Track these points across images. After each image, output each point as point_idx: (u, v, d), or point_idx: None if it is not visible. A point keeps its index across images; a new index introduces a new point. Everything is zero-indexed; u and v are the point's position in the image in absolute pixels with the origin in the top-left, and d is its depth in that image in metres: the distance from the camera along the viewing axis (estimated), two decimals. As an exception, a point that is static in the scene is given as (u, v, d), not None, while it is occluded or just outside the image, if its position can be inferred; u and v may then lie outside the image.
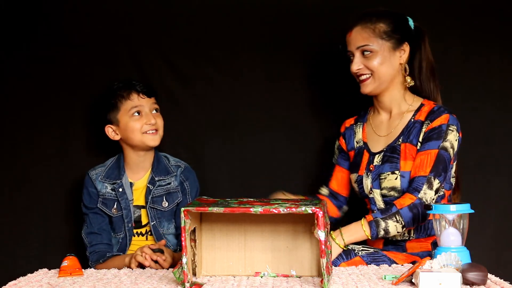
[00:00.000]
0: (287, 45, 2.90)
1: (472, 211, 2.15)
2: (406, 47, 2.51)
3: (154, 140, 2.67)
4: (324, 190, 2.71)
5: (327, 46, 2.88)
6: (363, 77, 2.51)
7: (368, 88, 2.52)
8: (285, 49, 2.90)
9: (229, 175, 2.91)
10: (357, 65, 2.50)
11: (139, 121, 2.66)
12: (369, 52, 2.48)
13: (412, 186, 2.39)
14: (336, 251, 2.34)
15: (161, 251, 2.42)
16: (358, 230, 2.36)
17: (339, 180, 2.68)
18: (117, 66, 2.90)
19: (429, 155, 2.40)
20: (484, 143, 2.81)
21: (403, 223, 2.36)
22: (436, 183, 2.38)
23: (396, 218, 2.35)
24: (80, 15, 2.91)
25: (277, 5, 2.90)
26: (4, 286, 2.04)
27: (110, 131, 2.71)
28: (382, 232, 2.35)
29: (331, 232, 2.37)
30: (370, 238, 2.36)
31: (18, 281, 2.13)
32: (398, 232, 2.38)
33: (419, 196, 2.36)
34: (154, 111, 2.70)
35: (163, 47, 2.91)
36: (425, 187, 2.37)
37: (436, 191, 2.39)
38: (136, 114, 2.67)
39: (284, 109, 2.91)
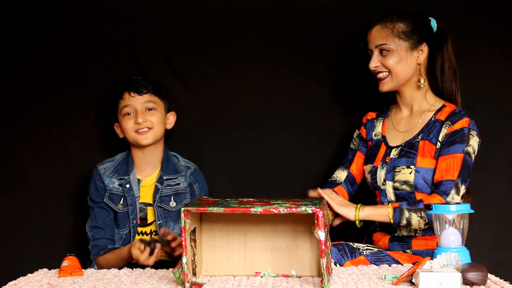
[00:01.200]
0: (287, 45, 2.90)
1: (472, 211, 2.15)
2: (425, 48, 2.54)
3: (146, 139, 2.67)
4: (342, 174, 2.69)
5: (327, 46, 2.88)
6: (381, 75, 2.56)
7: (386, 86, 2.56)
8: (285, 49, 2.90)
9: (229, 175, 2.91)
10: (374, 63, 2.55)
11: (131, 121, 2.67)
12: (386, 51, 2.52)
13: (440, 189, 2.41)
14: (349, 215, 2.39)
15: (153, 242, 2.40)
16: (384, 210, 2.40)
17: (359, 165, 2.69)
18: (117, 66, 2.90)
19: (455, 159, 2.43)
20: (484, 143, 2.81)
21: (426, 221, 2.39)
22: (462, 189, 2.42)
23: (421, 214, 2.38)
24: (80, 15, 2.91)
25: (277, 5, 2.90)
26: (4, 286, 2.04)
27: (118, 130, 2.73)
28: (404, 221, 2.39)
29: (359, 204, 2.42)
30: (392, 222, 2.39)
31: (18, 281, 2.13)
32: (420, 228, 2.42)
33: (447, 199, 2.38)
34: (148, 110, 2.69)
35: (163, 47, 2.91)
36: (453, 191, 2.40)
37: (462, 197, 2.42)
38: (127, 113, 2.67)
39: (284, 109, 2.91)
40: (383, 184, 2.54)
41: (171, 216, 2.68)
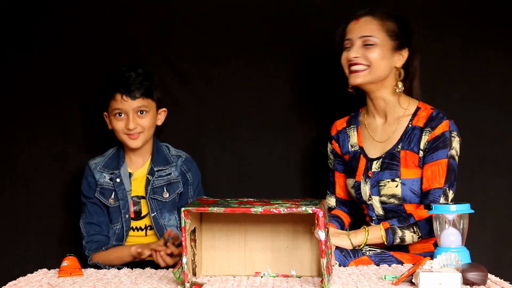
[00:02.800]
0: (287, 45, 2.90)
1: (472, 211, 2.15)
2: (405, 53, 2.50)
3: (135, 143, 2.65)
4: (331, 200, 2.68)
5: (329, 46, 2.88)
6: (356, 67, 2.46)
7: (360, 79, 2.46)
8: (285, 49, 2.90)
9: (229, 175, 2.91)
10: (355, 52, 2.45)
11: (121, 122, 2.65)
12: (371, 44, 2.45)
13: (429, 198, 2.39)
14: (344, 244, 2.36)
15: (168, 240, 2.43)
16: (376, 232, 2.38)
17: (341, 185, 2.66)
18: (117, 66, 2.89)
19: (440, 165, 2.40)
20: (484, 143, 2.81)
21: (420, 234, 2.38)
22: (450, 194, 2.40)
23: (413, 229, 2.38)
24: (80, 15, 2.91)
25: (277, 5, 2.91)
26: (4, 286, 2.04)
27: (108, 120, 2.71)
28: (398, 240, 2.38)
29: (349, 230, 2.42)
30: (386, 243, 2.38)
31: (18, 281, 2.13)
32: (413, 242, 2.41)
33: None
34: (139, 113, 2.64)
35: (163, 47, 2.91)
36: (442, 199, 2.38)
37: (451, 201, 2.40)
38: (118, 114, 2.65)
39: (284, 109, 2.91)
40: (369, 199, 2.50)
41: (165, 207, 2.68)
